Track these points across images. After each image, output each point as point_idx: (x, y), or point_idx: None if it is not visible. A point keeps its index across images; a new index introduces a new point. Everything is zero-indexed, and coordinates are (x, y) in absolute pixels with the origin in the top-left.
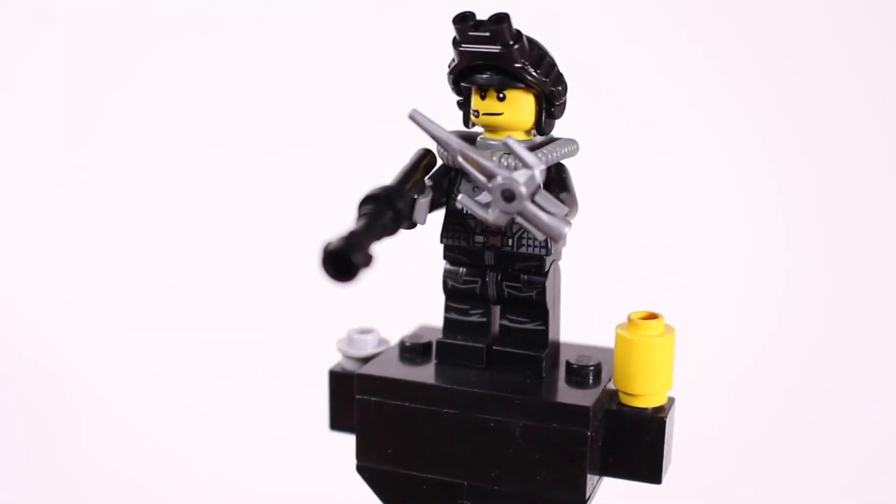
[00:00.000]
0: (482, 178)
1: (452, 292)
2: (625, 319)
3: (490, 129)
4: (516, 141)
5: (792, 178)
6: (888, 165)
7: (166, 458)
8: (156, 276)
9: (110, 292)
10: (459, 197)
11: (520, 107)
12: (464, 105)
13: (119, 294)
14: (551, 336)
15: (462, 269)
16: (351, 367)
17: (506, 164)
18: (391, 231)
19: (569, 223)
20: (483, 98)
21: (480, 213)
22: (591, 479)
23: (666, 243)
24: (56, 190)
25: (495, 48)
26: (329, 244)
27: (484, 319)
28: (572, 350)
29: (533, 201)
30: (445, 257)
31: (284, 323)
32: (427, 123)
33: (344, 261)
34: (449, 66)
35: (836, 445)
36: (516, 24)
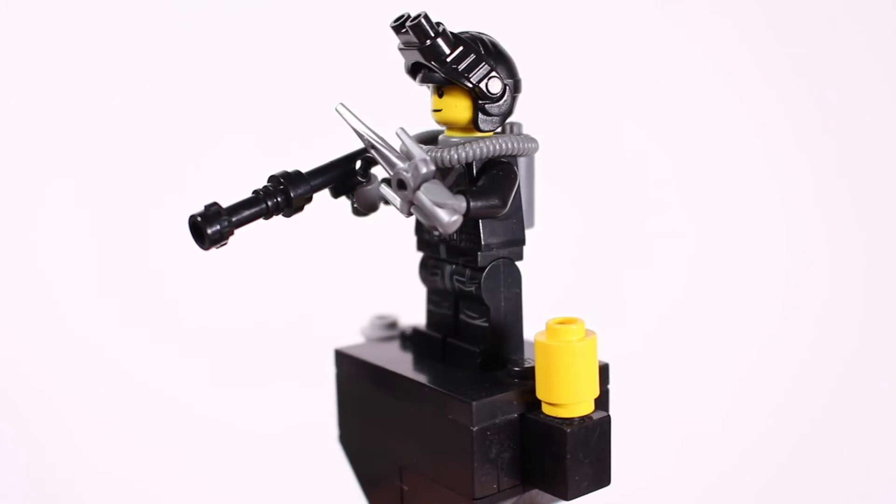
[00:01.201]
0: (388, 169)
1: (424, 283)
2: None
3: (444, 125)
4: (406, 133)
5: (791, 177)
6: (888, 165)
7: (165, 462)
8: (155, 276)
9: (109, 293)
10: (380, 187)
11: (455, 103)
12: None
13: (117, 295)
14: (499, 333)
15: (430, 262)
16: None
17: (404, 155)
18: (283, 212)
19: (454, 214)
20: (433, 95)
21: (393, 202)
22: (488, 477)
23: (665, 243)
24: (53, 191)
25: (418, 47)
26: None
27: (450, 312)
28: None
29: (422, 191)
30: (418, 249)
31: (284, 324)
32: (349, 117)
33: (199, 230)
34: None
35: (836, 446)
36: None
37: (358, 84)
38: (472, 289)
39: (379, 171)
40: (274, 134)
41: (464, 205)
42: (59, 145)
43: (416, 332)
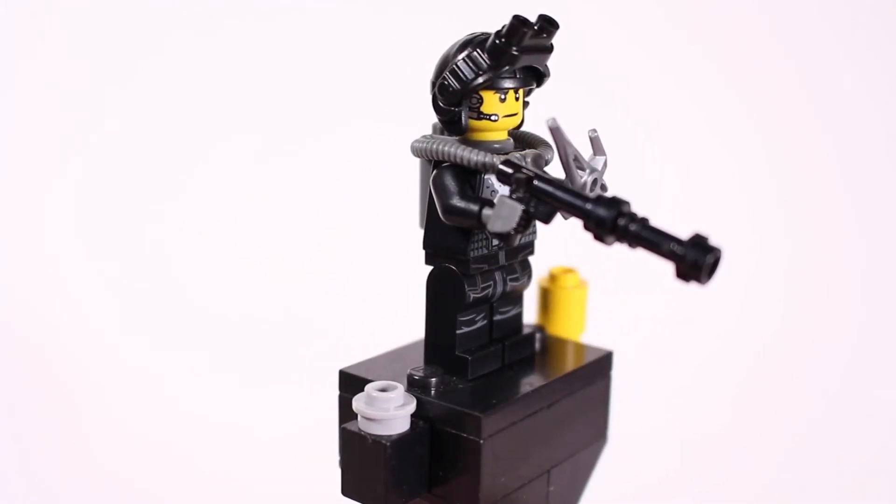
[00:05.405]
0: (574, 177)
1: (471, 304)
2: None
3: (489, 131)
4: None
5: (791, 176)
6: (888, 164)
7: (166, 460)
8: (158, 277)
9: (110, 292)
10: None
11: (522, 104)
12: (453, 114)
13: (122, 295)
14: None
15: (479, 278)
16: (373, 429)
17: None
18: None
19: None
20: (503, 101)
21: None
22: None
23: None
24: (58, 191)
25: (546, 50)
26: (717, 251)
27: (486, 321)
28: None
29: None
30: (470, 270)
31: (285, 324)
32: (563, 133)
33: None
34: (473, 72)
35: (836, 446)
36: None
37: (357, 84)
38: (525, 279)
39: None
40: (274, 134)
41: None
42: (60, 145)
43: (474, 359)
